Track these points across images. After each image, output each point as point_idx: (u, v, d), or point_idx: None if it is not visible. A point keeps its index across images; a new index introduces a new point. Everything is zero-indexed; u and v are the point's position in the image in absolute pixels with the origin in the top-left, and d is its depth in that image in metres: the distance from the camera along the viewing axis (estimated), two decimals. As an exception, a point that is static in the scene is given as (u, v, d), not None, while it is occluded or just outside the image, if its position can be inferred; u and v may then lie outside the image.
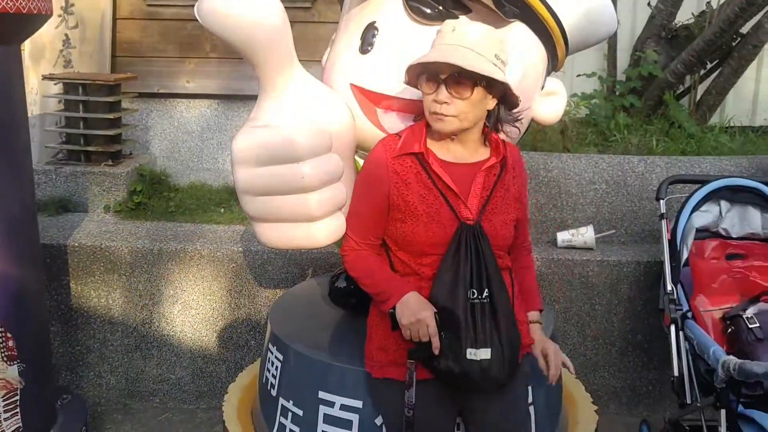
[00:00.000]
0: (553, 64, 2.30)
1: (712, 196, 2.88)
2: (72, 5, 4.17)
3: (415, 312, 1.80)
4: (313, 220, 1.86)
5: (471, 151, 1.91)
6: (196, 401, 3.30)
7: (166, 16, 4.30)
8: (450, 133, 1.84)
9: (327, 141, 1.86)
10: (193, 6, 4.10)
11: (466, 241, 1.85)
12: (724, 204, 2.89)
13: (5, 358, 2.48)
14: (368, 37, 2.13)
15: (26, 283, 2.62)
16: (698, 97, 4.37)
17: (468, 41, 1.75)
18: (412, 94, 2.06)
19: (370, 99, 2.11)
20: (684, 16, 4.39)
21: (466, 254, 1.84)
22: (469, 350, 1.82)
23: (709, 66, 4.38)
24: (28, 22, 2.52)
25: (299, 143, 1.79)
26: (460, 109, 1.77)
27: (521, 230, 2.03)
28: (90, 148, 3.67)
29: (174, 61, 4.31)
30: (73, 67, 4.22)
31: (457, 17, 2.04)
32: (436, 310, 1.80)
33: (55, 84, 3.82)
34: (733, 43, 4.25)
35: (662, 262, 2.97)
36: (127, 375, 3.30)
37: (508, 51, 1.85)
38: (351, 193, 1.98)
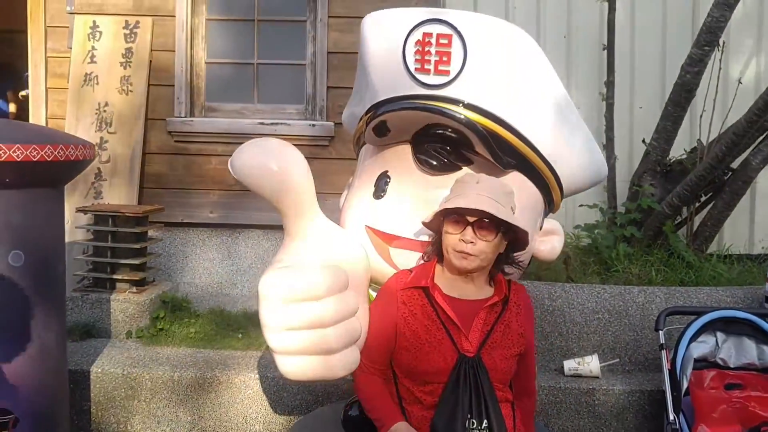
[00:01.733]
0: (550, 207, 2.52)
1: (708, 328, 3.01)
2: (106, 141, 4.50)
3: None
4: (331, 353, 2.02)
5: (477, 289, 2.09)
6: None
7: (191, 151, 4.63)
8: (470, 270, 2.03)
9: (344, 280, 2.05)
10: (216, 143, 4.44)
11: (466, 372, 2.01)
12: (720, 335, 3.01)
13: (30, 484, 2.57)
14: (381, 184, 2.37)
15: (52, 409, 2.75)
16: (695, 228, 4.57)
17: (492, 192, 1.99)
18: (420, 234, 2.28)
19: (383, 239, 2.32)
20: (677, 151, 4.67)
21: (466, 385, 2.00)
22: None
23: (703, 198, 4.61)
24: (75, 168, 2.79)
25: (320, 283, 1.99)
26: (482, 250, 1.99)
27: (526, 367, 2.18)
28: (116, 276, 3.88)
29: (198, 193, 4.59)
30: (103, 198, 4.50)
31: (461, 168, 2.29)
32: None
33: (84, 215, 4.08)
34: (725, 177, 4.49)
35: (664, 392, 3.08)
36: (142, 502, 3.34)
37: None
38: (365, 326, 2.15)
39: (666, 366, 2.96)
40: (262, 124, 4.53)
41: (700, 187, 4.31)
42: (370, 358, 2.12)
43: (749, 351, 2.99)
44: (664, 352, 2.99)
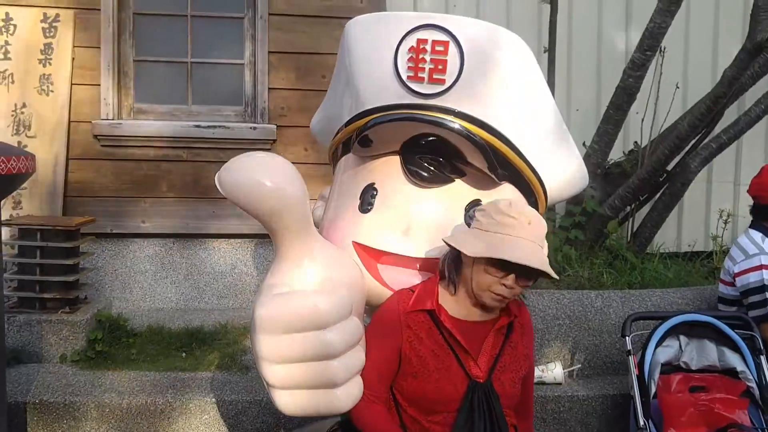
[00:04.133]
0: (536, 215, 2.46)
1: (672, 332, 3.05)
2: (25, 146, 4.12)
3: None
4: (336, 386, 1.87)
5: (484, 311, 1.99)
6: None
7: (120, 156, 4.31)
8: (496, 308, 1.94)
9: (349, 305, 1.91)
10: (147, 147, 4.15)
11: (479, 399, 1.91)
12: (683, 338, 3.06)
13: None
14: (367, 197, 2.23)
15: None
16: (635, 228, 4.68)
17: (539, 237, 1.90)
18: (410, 250, 2.16)
19: (371, 255, 2.19)
20: (615, 154, 4.76)
21: (480, 413, 1.90)
22: None
23: (641, 199, 4.72)
24: (14, 182, 2.51)
25: (325, 310, 1.83)
26: (516, 294, 1.91)
27: (526, 389, 2.11)
28: (46, 295, 3.55)
29: (128, 201, 4.29)
30: (23, 209, 4.13)
31: (453, 180, 2.19)
32: None
33: (6, 227, 3.73)
34: (660, 179, 4.62)
35: (628, 395, 3.10)
36: None
37: None
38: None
39: (634, 371, 2.97)
40: (198, 126, 4.27)
41: (642, 189, 4.42)
42: (371, 387, 1.97)
43: (710, 353, 3.05)
44: (631, 358, 3.01)
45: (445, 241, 1.98)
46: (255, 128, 4.30)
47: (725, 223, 4.80)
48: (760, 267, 3.04)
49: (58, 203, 4.16)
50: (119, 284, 4.28)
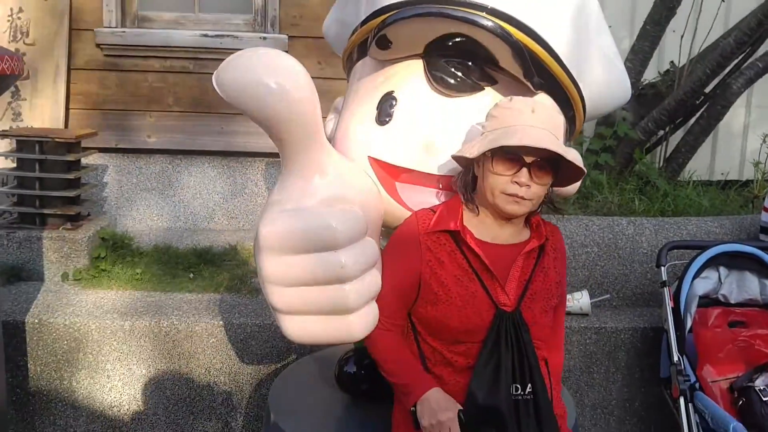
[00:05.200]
0: (571, 132, 2.22)
1: (711, 262, 2.85)
2: (23, 54, 3.89)
3: (437, 412, 1.67)
4: (349, 312, 1.68)
5: (514, 233, 1.79)
6: (169, 488, 3.01)
7: (124, 67, 4.07)
8: (519, 215, 1.72)
9: (363, 225, 1.70)
10: (152, 57, 3.89)
11: (507, 330, 1.72)
12: (722, 270, 2.87)
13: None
14: (386, 107, 1.98)
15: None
16: (667, 153, 4.41)
17: (551, 125, 1.67)
18: (432, 167, 1.94)
19: (389, 173, 1.97)
20: (650, 74, 4.45)
21: (507, 345, 1.71)
22: None
23: (676, 123, 4.44)
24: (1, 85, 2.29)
25: (338, 229, 1.62)
26: (536, 194, 1.69)
27: (558, 318, 1.92)
28: (46, 211, 3.38)
29: (133, 114, 4.07)
30: (23, 121, 3.92)
31: (483, 88, 1.95)
32: (461, 408, 1.67)
33: (1, 139, 3.54)
34: (697, 102, 4.32)
35: (659, 329, 2.93)
36: (90, 464, 2.99)
37: None
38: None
39: (669, 304, 2.78)
40: (205, 36, 4.01)
41: (678, 112, 4.13)
42: (388, 313, 1.79)
43: (751, 286, 2.86)
44: (666, 290, 2.81)
45: (452, 157, 1.76)
46: (265, 38, 4.01)
47: (769, 147, 4.50)
48: (807, 192, 2.80)
49: (59, 116, 3.95)
50: (124, 202, 4.11)
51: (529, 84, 1.91)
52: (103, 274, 3.31)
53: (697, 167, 4.77)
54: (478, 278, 1.73)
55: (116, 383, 2.93)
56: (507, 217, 1.75)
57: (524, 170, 1.66)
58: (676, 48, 4.40)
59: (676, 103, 4.02)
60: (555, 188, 2.20)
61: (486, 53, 1.88)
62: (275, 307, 1.68)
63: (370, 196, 1.85)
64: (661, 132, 4.40)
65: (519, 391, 1.69)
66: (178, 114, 4.08)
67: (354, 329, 1.70)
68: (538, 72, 1.91)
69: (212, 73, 1.63)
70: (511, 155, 1.66)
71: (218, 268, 3.48)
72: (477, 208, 1.77)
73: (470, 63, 1.91)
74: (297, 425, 2.06)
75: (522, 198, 1.67)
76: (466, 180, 1.79)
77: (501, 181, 1.68)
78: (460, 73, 1.92)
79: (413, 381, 1.73)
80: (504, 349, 1.69)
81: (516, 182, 1.66)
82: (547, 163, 1.67)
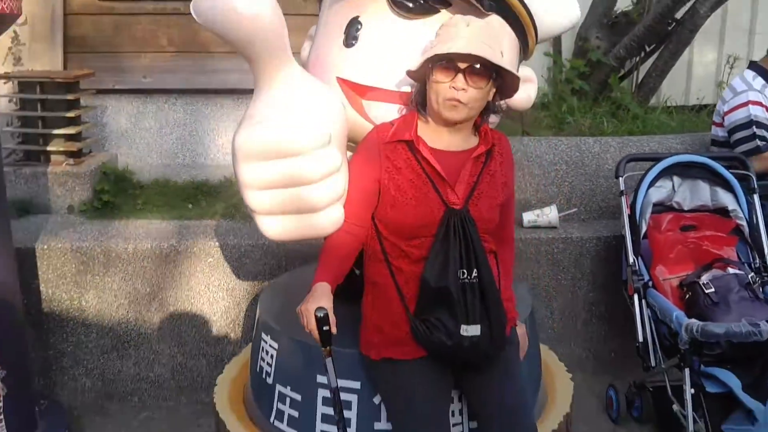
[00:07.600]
0: (524, 53, 2.42)
1: (666, 173, 3.08)
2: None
3: (308, 302, 1.91)
4: (315, 211, 1.93)
5: (462, 140, 2.02)
6: (176, 397, 3.31)
7: (119, 10, 4.24)
8: (460, 120, 1.94)
9: (326, 134, 1.93)
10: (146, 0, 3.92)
11: (455, 225, 1.96)
12: (676, 179, 3.09)
13: (-9, 365, 2.46)
14: (352, 31, 2.20)
15: (3, 288, 2.60)
16: (639, 79, 4.60)
17: (484, 36, 1.87)
18: (396, 84, 2.16)
19: (356, 91, 2.19)
20: (623, 2, 4.60)
21: (456, 237, 1.96)
22: (462, 326, 1.94)
23: (647, 50, 4.61)
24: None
25: (300, 138, 1.87)
26: (473, 98, 1.90)
27: (506, 215, 2.16)
28: (50, 148, 3.62)
29: (128, 56, 4.27)
30: (23, 65, 4.13)
31: (439, 10, 2.15)
32: (328, 309, 1.88)
33: (4, 83, 3.74)
34: (669, 28, 4.48)
35: (621, 237, 3.16)
36: (103, 376, 3.28)
37: None
38: (346, 182, 2.06)
39: (626, 211, 3.02)
40: (193, -21, 4.16)
41: (647, 38, 4.30)
42: (353, 214, 2.03)
43: (703, 193, 3.08)
44: (623, 198, 3.05)
45: (406, 73, 1.98)
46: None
47: (731, 68, 4.68)
48: (747, 103, 3.02)
49: (58, 59, 4.16)
50: (125, 140, 4.33)
51: (479, 6, 2.11)
52: (106, 206, 3.55)
53: (673, 92, 4.96)
54: (431, 181, 1.97)
55: (123, 301, 3.21)
56: (450, 124, 1.98)
57: (459, 76, 1.88)
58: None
59: (645, 29, 4.20)
60: (507, 101, 2.44)
61: (441, -22, 2.08)
62: (251, 208, 1.94)
63: (335, 110, 2.08)
64: (635, 59, 4.57)
65: (465, 276, 1.94)
66: (172, 54, 4.27)
67: (321, 225, 1.96)
68: (491, -5, 2.11)
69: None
70: (447, 63, 1.87)
71: (214, 198, 3.72)
72: (427, 118, 2.01)
73: (426, -12, 2.11)
74: (279, 320, 2.34)
75: (459, 102, 1.90)
76: (418, 93, 2.01)
77: (441, 88, 1.90)
78: (418, -3, 2.12)
79: (320, 272, 1.98)
80: (453, 240, 1.93)
81: (453, 87, 1.88)
82: (482, 69, 1.88)
